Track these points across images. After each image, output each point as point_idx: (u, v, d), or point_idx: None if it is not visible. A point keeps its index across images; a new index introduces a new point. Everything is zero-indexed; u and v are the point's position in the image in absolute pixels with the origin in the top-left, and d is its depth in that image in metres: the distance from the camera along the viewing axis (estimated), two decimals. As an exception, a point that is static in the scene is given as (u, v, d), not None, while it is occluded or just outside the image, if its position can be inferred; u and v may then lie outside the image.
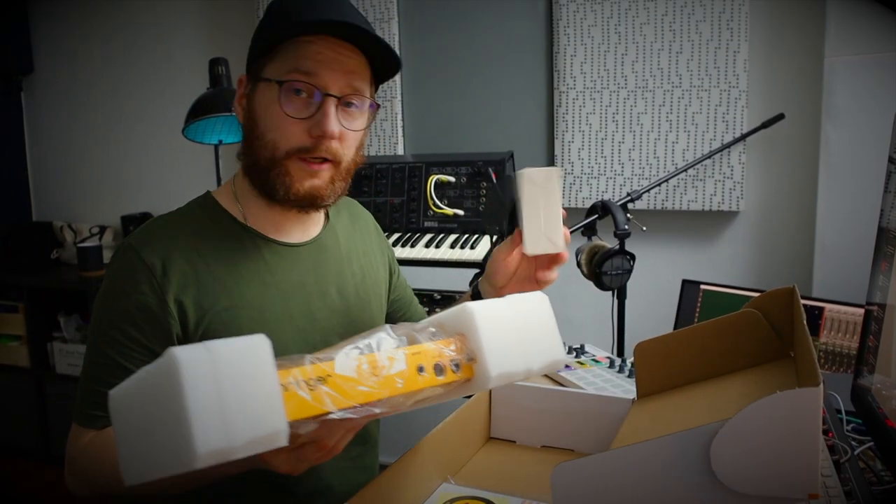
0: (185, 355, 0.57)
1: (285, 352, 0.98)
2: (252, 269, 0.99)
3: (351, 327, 1.07)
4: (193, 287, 0.94)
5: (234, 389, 0.59)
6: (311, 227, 1.07)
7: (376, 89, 1.02)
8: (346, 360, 0.70)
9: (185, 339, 0.93)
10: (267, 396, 0.61)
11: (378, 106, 1.00)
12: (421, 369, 0.75)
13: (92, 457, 0.90)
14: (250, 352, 0.61)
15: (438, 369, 0.76)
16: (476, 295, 1.08)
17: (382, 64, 0.98)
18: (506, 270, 1.03)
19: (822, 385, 0.60)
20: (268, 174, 0.95)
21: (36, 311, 2.92)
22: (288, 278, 1.01)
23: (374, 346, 0.74)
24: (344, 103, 0.94)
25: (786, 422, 0.59)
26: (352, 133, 0.96)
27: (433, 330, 0.84)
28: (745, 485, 0.61)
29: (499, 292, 1.04)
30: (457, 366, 0.79)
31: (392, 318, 1.23)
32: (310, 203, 0.97)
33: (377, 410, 0.72)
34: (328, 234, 1.10)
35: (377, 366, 0.72)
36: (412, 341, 0.78)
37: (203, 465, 0.55)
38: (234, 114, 1.44)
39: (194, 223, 0.99)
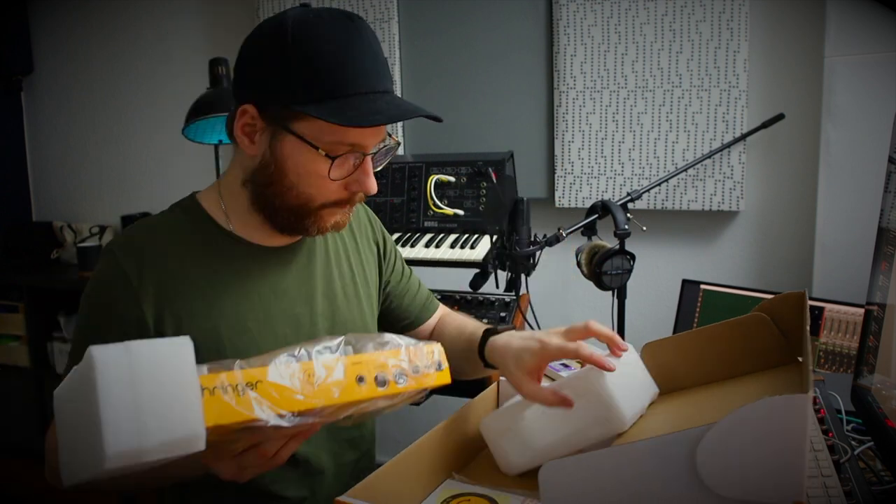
0: (103, 355, 0.57)
1: None
2: (232, 276, 0.97)
3: (338, 330, 1.06)
4: (170, 295, 0.93)
5: (152, 391, 0.58)
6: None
7: None
8: (280, 367, 0.69)
9: None
10: (185, 399, 0.60)
11: (399, 144, 1.01)
12: (361, 379, 0.74)
13: (50, 450, 0.90)
14: (171, 354, 0.61)
15: (380, 380, 0.76)
16: (482, 345, 1.05)
17: None
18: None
19: (810, 393, 0.60)
20: (296, 218, 0.96)
21: (36, 311, 2.92)
22: (270, 285, 1.00)
23: (313, 354, 0.74)
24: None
25: (772, 428, 0.59)
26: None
27: (411, 340, 0.84)
28: (730, 489, 0.61)
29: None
30: (402, 377, 0.78)
31: (393, 306, 1.21)
32: (332, 230, 0.99)
33: (310, 420, 0.71)
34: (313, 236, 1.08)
35: (312, 374, 0.71)
36: (359, 350, 0.78)
37: (114, 466, 0.55)
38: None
39: (175, 228, 0.98)
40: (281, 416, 0.68)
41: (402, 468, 0.89)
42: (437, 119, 0.94)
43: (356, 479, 0.86)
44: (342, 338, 0.79)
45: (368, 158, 0.93)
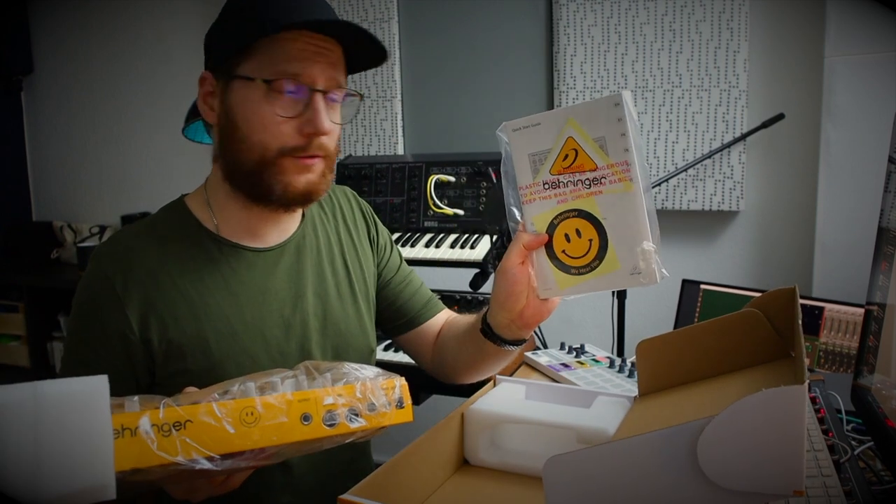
0: (5, 396, 0.54)
1: (255, 362, 0.97)
2: (219, 279, 0.97)
3: (331, 330, 1.05)
4: (155, 300, 0.92)
5: (58, 438, 0.56)
6: (287, 226, 1.04)
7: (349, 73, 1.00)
8: (213, 405, 0.66)
9: (150, 353, 0.92)
10: (94, 446, 0.57)
11: (362, 97, 0.99)
12: (306, 418, 0.70)
13: None
14: (84, 395, 0.58)
15: (328, 420, 0.72)
16: (486, 329, 0.98)
17: (361, 54, 0.96)
18: (522, 284, 0.89)
19: (806, 383, 0.60)
20: (259, 176, 0.92)
21: (36, 311, 2.92)
22: (258, 286, 0.99)
23: (253, 390, 0.69)
24: (328, 98, 0.92)
25: (771, 419, 0.60)
26: (336, 126, 0.95)
27: (371, 372, 0.78)
28: (732, 481, 0.61)
29: (519, 318, 0.92)
30: (354, 416, 0.74)
31: (388, 302, 1.18)
32: (305, 200, 0.95)
33: (243, 464, 0.67)
34: (305, 232, 1.06)
35: (252, 413, 0.67)
36: (312, 384, 0.73)
37: None
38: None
39: (162, 232, 0.97)
40: (210, 460, 0.64)
41: (404, 466, 0.89)
42: (377, 44, 0.92)
43: (353, 479, 0.86)
44: (295, 370, 0.76)
45: (318, 95, 0.90)
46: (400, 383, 0.81)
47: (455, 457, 1.02)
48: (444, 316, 1.22)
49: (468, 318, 1.12)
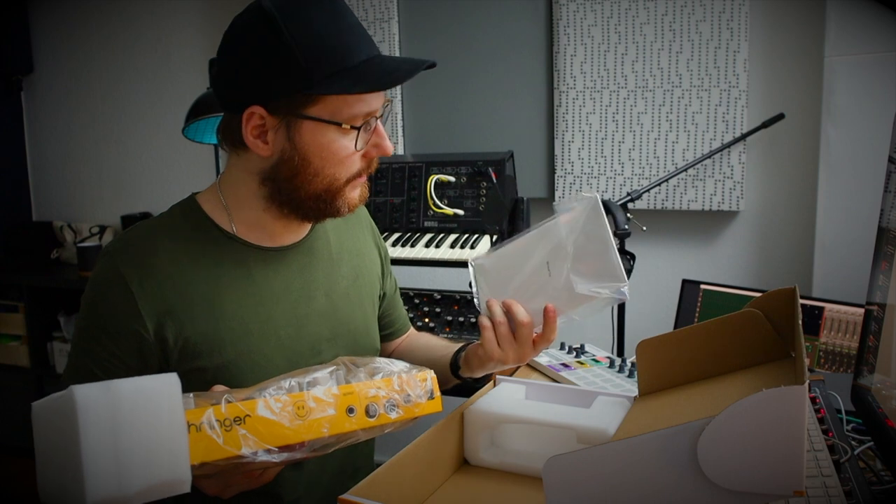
0: (84, 395, 0.55)
1: (269, 361, 0.98)
2: (233, 278, 0.97)
3: (341, 330, 1.06)
4: (170, 298, 0.92)
5: (136, 433, 0.57)
6: (300, 228, 1.05)
7: None
8: (270, 400, 0.68)
9: (164, 351, 0.92)
10: (170, 441, 0.59)
11: (391, 101, 1.04)
12: (351, 410, 0.74)
13: None
14: (157, 392, 0.60)
15: (371, 411, 0.75)
16: (455, 369, 1.07)
17: None
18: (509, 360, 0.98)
19: (807, 384, 0.60)
20: (329, 203, 0.96)
21: (36, 311, 2.92)
22: (271, 285, 0.99)
23: (304, 385, 0.73)
24: None
25: (771, 419, 0.60)
26: None
27: (403, 366, 0.83)
28: (732, 481, 0.61)
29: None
30: (393, 407, 0.78)
31: (382, 314, 1.22)
32: (355, 208, 1.00)
33: (299, 455, 0.70)
34: (317, 235, 1.08)
35: (303, 407, 0.70)
36: (350, 378, 0.77)
37: None
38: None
39: (175, 230, 0.97)
40: (269, 452, 0.67)
41: (404, 466, 0.89)
42: (433, 65, 0.95)
43: (354, 477, 0.86)
44: (333, 366, 0.78)
45: (379, 121, 0.95)
46: (431, 376, 0.86)
47: (455, 457, 1.02)
48: (408, 333, 1.31)
49: (436, 344, 1.21)
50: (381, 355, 1.23)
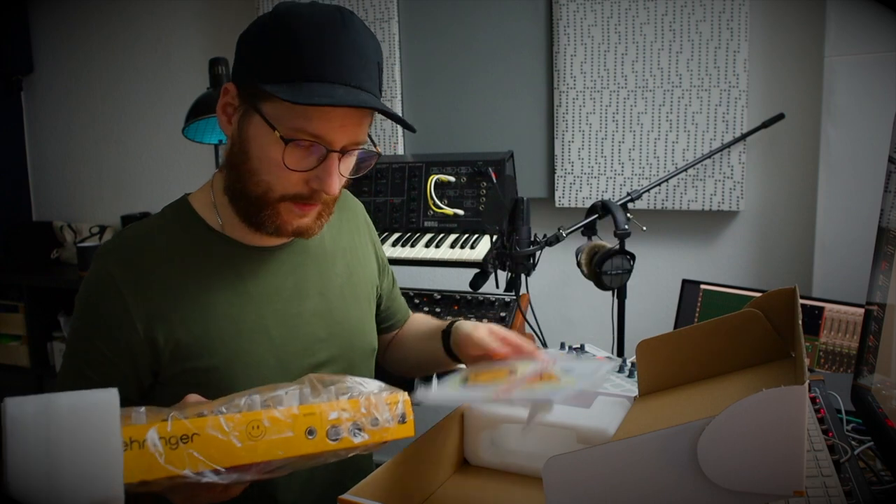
0: (16, 409, 0.55)
1: (260, 361, 0.98)
2: (224, 279, 0.97)
3: (335, 329, 1.05)
4: (161, 300, 0.92)
5: (70, 449, 0.56)
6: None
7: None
8: (220, 419, 0.66)
9: (155, 353, 0.92)
10: (105, 458, 0.58)
11: (380, 155, 0.97)
12: (311, 432, 0.71)
13: None
14: (96, 407, 0.59)
15: (332, 434, 0.72)
16: (448, 350, 1.09)
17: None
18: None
19: (807, 384, 0.60)
20: (258, 213, 0.93)
21: (36, 311, 2.92)
22: (263, 285, 0.99)
23: (259, 404, 0.70)
24: (344, 153, 0.91)
25: (771, 419, 0.60)
26: (345, 178, 0.94)
27: (375, 387, 0.79)
28: (732, 481, 0.61)
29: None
30: (358, 431, 0.74)
31: (381, 308, 1.22)
32: (294, 236, 0.97)
33: (249, 477, 0.68)
34: None
35: (258, 426, 0.68)
36: (316, 397, 0.74)
37: None
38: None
39: (166, 231, 0.97)
40: (216, 473, 0.65)
41: (404, 466, 0.89)
42: (403, 123, 0.93)
43: (353, 478, 0.86)
44: (299, 385, 0.76)
45: (333, 156, 0.89)
46: (403, 398, 0.81)
47: (455, 457, 1.02)
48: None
49: (432, 325, 1.20)
50: (382, 346, 1.24)
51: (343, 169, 0.92)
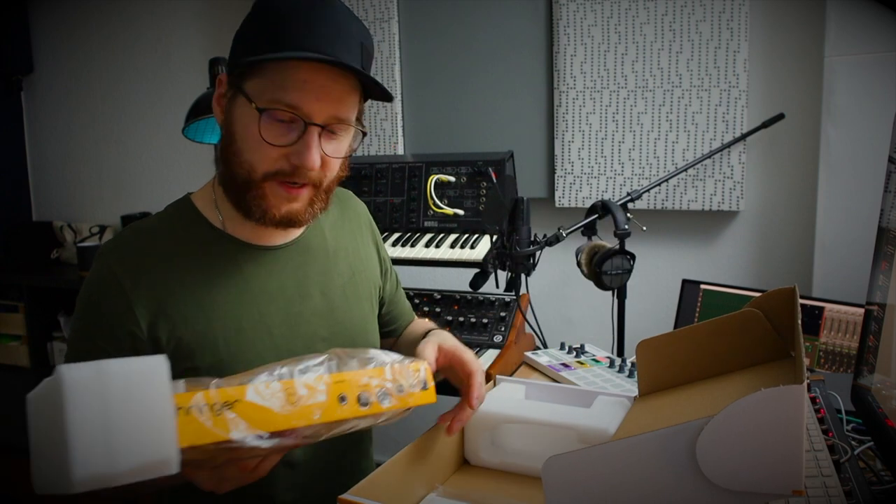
0: (72, 375, 0.55)
1: (262, 359, 0.98)
2: (227, 277, 0.97)
3: (337, 329, 1.05)
4: (164, 298, 0.92)
5: (124, 413, 0.57)
6: (293, 228, 1.04)
7: (365, 101, 0.98)
8: (260, 386, 0.68)
9: (158, 351, 0.92)
10: (158, 421, 0.59)
11: (365, 133, 0.96)
12: (342, 399, 0.73)
13: None
14: (146, 373, 0.60)
15: (363, 400, 0.74)
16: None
17: (371, 87, 0.94)
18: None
19: (806, 383, 0.61)
20: (244, 194, 0.92)
21: (36, 311, 2.92)
22: (265, 284, 0.99)
23: (295, 373, 0.72)
24: (328, 130, 0.91)
25: (770, 419, 0.60)
26: (333, 159, 0.93)
27: (397, 357, 0.82)
28: (730, 481, 0.61)
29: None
30: (386, 396, 0.77)
31: (383, 311, 1.21)
32: (287, 224, 0.95)
33: (290, 441, 0.70)
34: (312, 233, 1.07)
35: (293, 393, 0.70)
36: (342, 368, 0.75)
37: (81, 490, 0.54)
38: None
39: (169, 230, 0.98)
40: (259, 437, 0.66)
41: (404, 466, 0.89)
42: (381, 90, 0.92)
43: (353, 478, 0.86)
44: (325, 355, 0.77)
45: (312, 129, 0.88)
46: (424, 367, 0.85)
47: (455, 457, 1.02)
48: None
49: (419, 332, 1.18)
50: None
51: (329, 149, 0.92)
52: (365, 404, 0.75)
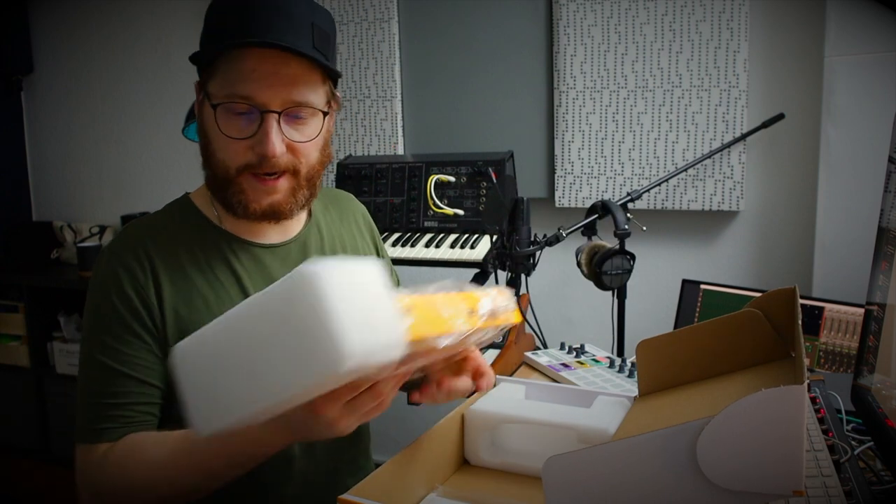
0: (322, 266, 0.59)
1: None
2: (228, 274, 0.98)
3: None
4: (172, 294, 0.93)
5: (368, 298, 0.61)
6: (291, 226, 1.05)
7: (335, 84, 0.98)
8: (426, 296, 0.72)
9: (164, 341, 0.92)
10: (389, 308, 0.63)
11: (325, 113, 0.94)
12: (472, 312, 0.78)
13: (113, 466, 0.88)
14: (374, 272, 0.64)
15: (487, 312, 0.80)
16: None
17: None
18: None
19: (806, 383, 0.60)
20: (225, 192, 0.94)
21: (36, 311, 2.92)
22: (265, 281, 0.99)
23: (444, 289, 0.76)
24: (290, 115, 0.91)
25: (770, 419, 0.60)
26: (303, 144, 0.93)
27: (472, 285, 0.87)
28: (731, 481, 0.61)
29: None
30: (497, 310, 0.83)
31: None
32: (272, 217, 0.96)
33: (473, 339, 0.76)
34: (310, 231, 1.08)
35: (451, 302, 0.74)
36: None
37: (350, 368, 0.56)
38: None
39: (170, 228, 0.98)
40: (449, 336, 0.70)
41: (404, 466, 0.89)
42: (328, 68, 0.91)
43: (353, 477, 0.86)
44: (436, 284, 0.81)
45: (269, 117, 0.88)
46: (506, 289, 0.90)
47: (455, 457, 1.02)
48: None
49: None
50: None
51: (295, 134, 0.92)
52: (493, 316, 0.79)
